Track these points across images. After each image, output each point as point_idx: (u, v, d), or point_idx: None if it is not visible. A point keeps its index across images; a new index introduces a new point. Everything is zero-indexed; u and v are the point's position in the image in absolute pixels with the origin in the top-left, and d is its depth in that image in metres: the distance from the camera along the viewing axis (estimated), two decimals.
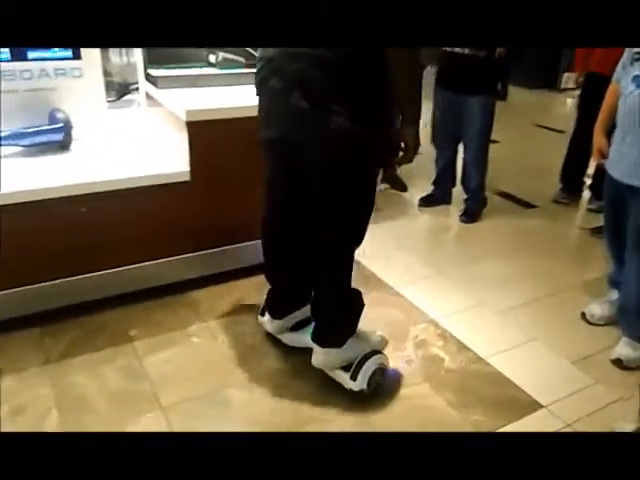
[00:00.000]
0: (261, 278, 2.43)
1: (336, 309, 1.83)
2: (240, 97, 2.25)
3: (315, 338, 1.83)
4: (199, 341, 2.09)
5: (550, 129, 5.34)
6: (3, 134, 2.09)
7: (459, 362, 2.05)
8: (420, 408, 1.83)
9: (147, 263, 2.22)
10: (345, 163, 1.61)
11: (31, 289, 2.02)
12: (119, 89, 2.80)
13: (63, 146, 2.20)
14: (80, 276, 2.10)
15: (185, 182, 2.19)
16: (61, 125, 2.16)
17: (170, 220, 2.22)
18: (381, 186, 1.68)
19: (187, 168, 2.18)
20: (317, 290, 1.86)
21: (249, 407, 1.80)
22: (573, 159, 3.51)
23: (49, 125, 2.18)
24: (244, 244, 2.40)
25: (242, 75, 2.45)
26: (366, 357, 1.80)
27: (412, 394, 1.89)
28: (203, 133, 2.11)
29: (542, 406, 1.85)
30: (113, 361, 1.95)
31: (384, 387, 1.87)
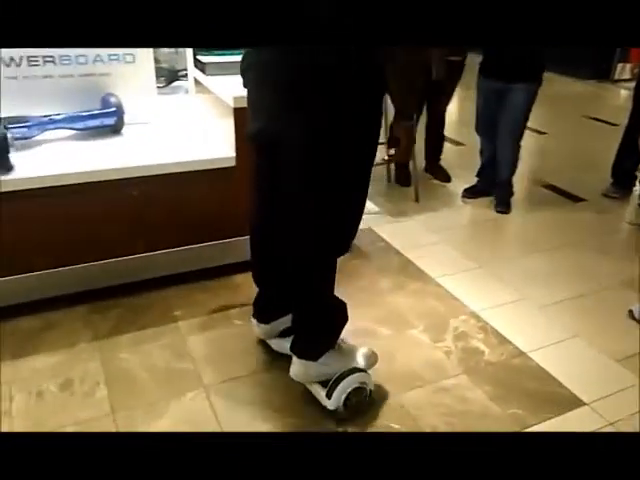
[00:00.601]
0: None
1: (313, 320, 1.71)
2: None
3: (292, 348, 1.73)
4: (240, 323, 2.13)
5: (602, 121, 5.16)
6: (59, 117, 2.16)
7: (499, 355, 2.03)
8: (459, 400, 1.82)
9: (191, 246, 2.27)
10: (323, 160, 1.48)
11: (81, 268, 2.10)
12: (168, 75, 2.86)
13: (115, 130, 2.26)
14: (127, 257, 2.17)
15: (230, 167, 2.22)
16: (114, 109, 2.23)
17: (214, 205, 2.26)
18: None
19: (232, 154, 2.22)
20: (296, 297, 1.73)
21: (287, 390, 1.83)
22: (626, 153, 3.39)
23: (102, 109, 2.24)
24: None
25: None
26: (343, 375, 1.67)
27: (450, 386, 1.88)
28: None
29: (584, 403, 1.81)
30: (158, 339, 2.01)
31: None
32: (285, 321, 1.87)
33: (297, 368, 1.71)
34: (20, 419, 1.66)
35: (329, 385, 1.67)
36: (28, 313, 2.07)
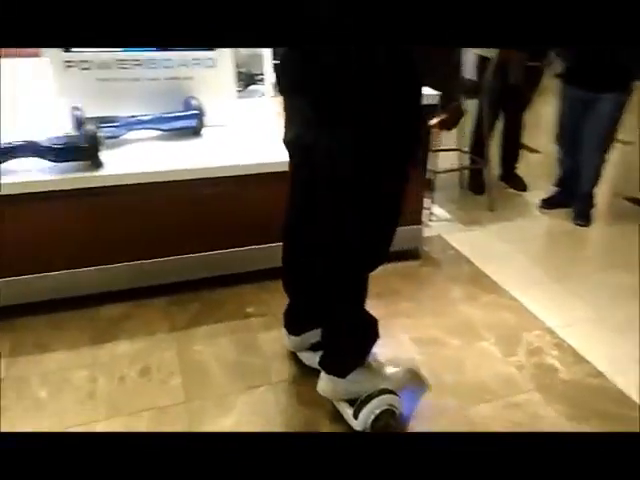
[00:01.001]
0: None
1: (343, 335, 1.64)
2: None
3: (321, 363, 1.67)
4: None
5: None
6: (145, 118, 2.28)
7: (575, 374, 1.96)
8: (529, 416, 1.77)
9: (262, 246, 2.33)
10: (358, 169, 1.41)
11: (161, 261, 2.20)
12: (245, 79, 2.94)
13: (195, 132, 2.35)
14: (203, 253, 2.25)
15: None
16: (195, 112, 2.32)
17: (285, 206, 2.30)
18: None
19: None
20: (326, 311, 1.65)
21: None
22: None
23: (184, 112, 2.34)
24: None
25: None
26: (372, 396, 1.60)
27: (521, 401, 1.83)
28: None
29: None
30: (231, 334, 2.08)
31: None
32: (315, 334, 1.81)
33: (325, 384, 1.66)
34: (102, 401, 1.76)
35: (356, 404, 1.61)
36: (111, 302, 2.19)
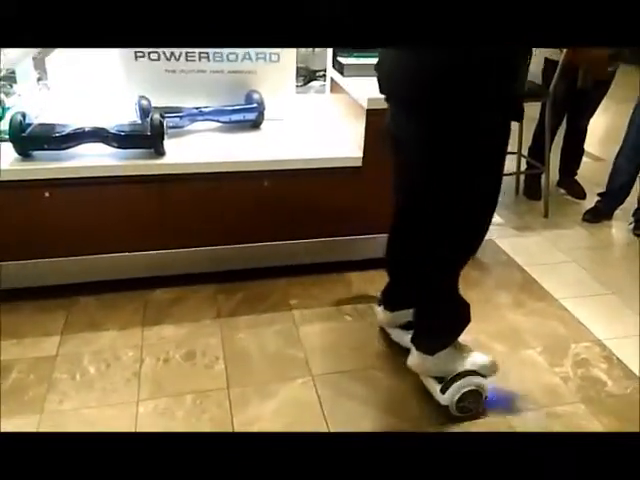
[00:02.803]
0: None
1: (434, 316, 1.74)
2: None
3: (413, 339, 1.78)
4: (350, 320, 2.18)
5: None
6: (207, 110, 2.35)
7: (623, 388, 1.89)
8: (572, 428, 1.72)
9: (309, 240, 2.36)
10: (450, 159, 1.49)
11: (212, 249, 2.26)
12: (306, 75, 2.99)
13: (255, 125, 2.40)
14: (251, 244, 2.30)
15: (357, 167, 2.27)
16: (255, 105, 2.37)
17: (337, 203, 2.32)
18: None
19: (360, 154, 2.26)
20: (421, 291, 1.77)
21: (392, 391, 1.84)
22: None
23: (245, 105, 2.39)
24: None
25: None
26: (462, 374, 1.70)
27: (565, 413, 1.79)
28: (380, 122, 2.17)
29: None
30: (274, 325, 2.12)
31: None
32: (408, 314, 1.90)
33: (415, 359, 1.76)
34: (147, 381, 1.84)
35: (446, 381, 1.71)
36: (163, 286, 2.27)
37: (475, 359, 1.78)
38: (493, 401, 1.79)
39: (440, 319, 1.74)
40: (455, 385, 1.69)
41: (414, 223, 1.73)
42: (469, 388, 1.70)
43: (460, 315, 1.75)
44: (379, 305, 2.03)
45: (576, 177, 3.47)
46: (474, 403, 1.73)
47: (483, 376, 1.74)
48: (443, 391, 1.71)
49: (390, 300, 1.99)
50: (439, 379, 1.74)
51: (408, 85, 1.48)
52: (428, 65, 1.39)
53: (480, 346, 2.06)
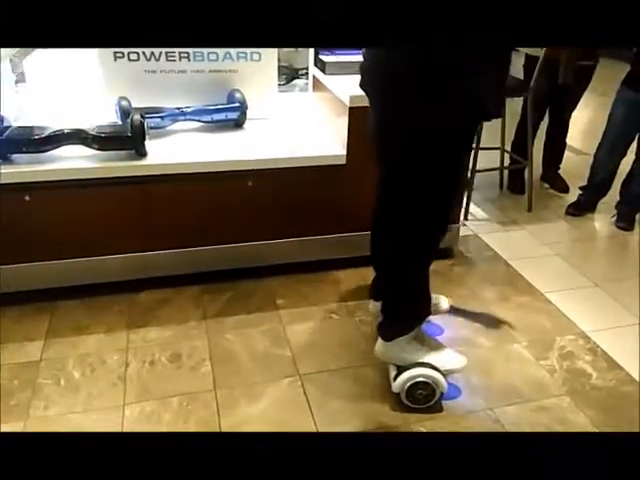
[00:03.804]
0: None
1: (393, 304, 1.80)
2: None
3: (377, 326, 1.84)
4: (338, 318, 2.18)
5: None
6: (189, 110, 2.33)
7: (608, 381, 1.91)
8: (558, 421, 1.74)
9: (295, 239, 2.35)
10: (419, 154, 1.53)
11: (196, 251, 2.25)
12: (288, 73, 2.97)
13: (238, 124, 2.39)
14: (236, 244, 2.29)
15: (340, 165, 2.27)
16: (238, 105, 2.35)
17: (322, 201, 2.32)
18: None
19: (343, 152, 2.26)
20: (387, 279, 1.85)
21: (378, 388, 1.85)
22: None
23: (227, 104, 2.38)
24: None
25: None
26: (416, 365, 1.73)
27: (551, 405, 1.80)
28: (363, 119, 2.17)
29: None
30: (260, 325, 2.11)
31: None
32: None
33: (378, 345, 1.81)
34: (132, 384, 1.82)
35: (399, 369, 1.75)
36: (147, 288, 2.26)
37: (441, 356, 1.79)
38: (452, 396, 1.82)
39: (399, 308, 1.79)
40: (407, 373, 1.72)
41: (387, 214, 1.77)
42: (420, 379, 1.71)
43: (419, 307, 1.79)
44: (370, 298, 2.07)
45: (559, 171, 3.50)
46: (426, 395, 1.74)
47: (440, 371, 1.74)
48: (395, 378, 1.74)
49: (376, 290, 2.02)
50: (398, 367, 1.77)
51: (378, 81, 1.54)
52: (395, 63, 1.42)
53: (466, 341, 2.08)
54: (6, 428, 1.64)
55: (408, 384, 1.72)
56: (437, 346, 1.84)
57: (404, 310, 1.78)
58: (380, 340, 1.79)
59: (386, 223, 1.77)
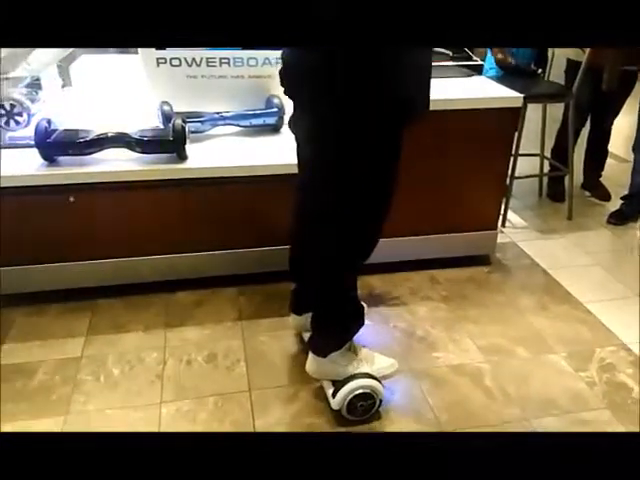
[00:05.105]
0: (433, 273, 2.42)
1: (326, 318, 1.70)
2: (441, 90, 2.26)
3: (308, 341, 1.76)
4: (371, 324, 2.16)
5: None
6: (228, 114, 2.36)
7: None
8: None
9: None
10: (336, 159, 1.47)
11: (233, 253, 2.28)
12: None
13: (275, 129, 2.41)
14: (273, 247, 2.30)
15: None
16: (276, 110, 2.38)
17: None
18: None
19: None
20: (314, 293, 1.73)
21: (410, 395, 1.83)
22: None
23: (265, 109, 2.41)
24: (421, 237, 2.44)
25: (444, 68, 2.46)
26: (352, 377, 1.66)
27: (590, 419, 1.76)
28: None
29: None
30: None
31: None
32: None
33: (310, 363, 1.73)
34: (170, 383, 1.86)
35: (336, 384, 1.68)
36: (185, 289, 2.30)
37: (373, 362, 1.77)
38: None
39: (331, 321, 1.70)
40: (345, 388, 1.65)
41: (310, 224, 1.69)
42: (360, 391, 1.66)
43: (352, 317, 1.72)
44: (290, 311, 1.99)
45: (600, 179, 3.41)
46: (367, 406, 1.69)
47: (376, 379, 1.70)
48: (334, 395, 1.67)
49: (297, 304, 1.95)
50: (334, 382, 1.70)
51: (300, 84, 1.48)
52: (316, 65, 1.36)
53: (501, 350, 2.05)
54: (47, 422, 1.69)
55: (348, 398, 1.65)
56: (368, 352, 1.80)
57: (338, 322, 1.70)
58: (313, 357, 1.70)
59: (309, 232, 1.67)
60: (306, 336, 1.92)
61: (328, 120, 1.42)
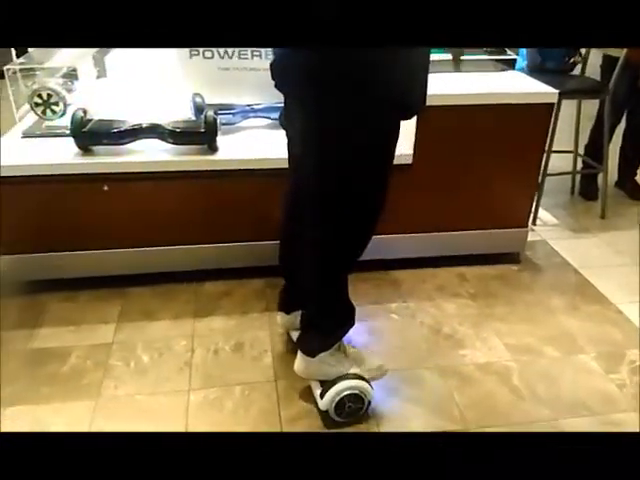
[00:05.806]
0: (462, 270, 2.40)
1: (316, 318, 1.68)
2: (473, 84, 2.23)
3: (297, 341, 1.73)
4: (398, 319, 2.17)
5: None
6: (259, 107, 2.37)
7: None
8: None
9: None
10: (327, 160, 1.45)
11: (260, 244, 2.29)
12: None
13: None
14: None
15: (407, 165, 2.26)
16: None
17: (387, 200, 2.31)
18: None
19: (410, 152, 2.24)
20: (304, 292, 1.70)
21: (436, 392, 1.83)
22: None
23: None
24: (449, 233, 2.42)
25: (476, 62, 2.43)
26: (341, 378, 1.64)
27: (620, 421, 1.73)
28: (430, 118, 2.14)
29: None
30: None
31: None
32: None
33: (299, 363, 1.70)
34: (197, 371, 1.88)
35: (325, 385, 1.66)
36: (214, 279, 2.32)
37: (364, 362, 1.74)
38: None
39: (321, 320, 1.68)
40: (334, 389, 1.63)
41: (301, 222, 1.65)
42: (349, 392, 1.63)
43: (343, 317, 1.69)
44: (278, 309, 1.97)
45: (635, 177, 3.34)
46: (355, 408, 1.67)
47: (366, 380, 1.68)
48: (322, 395, 1.65)
49: (286, 301, 1.94)
50: (322, 382, 1.68)
51: (295, 82, 1.45)
52: (313, 63, 1.33)
53: (530, 350, 2.02)
54: (78, 405, 1.74)
55: (337, 399, 1.63)
56: (358, 353, 1.78)
57: (329, 322, 1.68)
58: (301, 357, 1.68)
59: (302, 231, 1.63)
60: (294, 335, 1.90)
61: (318, 117, 1.40)
